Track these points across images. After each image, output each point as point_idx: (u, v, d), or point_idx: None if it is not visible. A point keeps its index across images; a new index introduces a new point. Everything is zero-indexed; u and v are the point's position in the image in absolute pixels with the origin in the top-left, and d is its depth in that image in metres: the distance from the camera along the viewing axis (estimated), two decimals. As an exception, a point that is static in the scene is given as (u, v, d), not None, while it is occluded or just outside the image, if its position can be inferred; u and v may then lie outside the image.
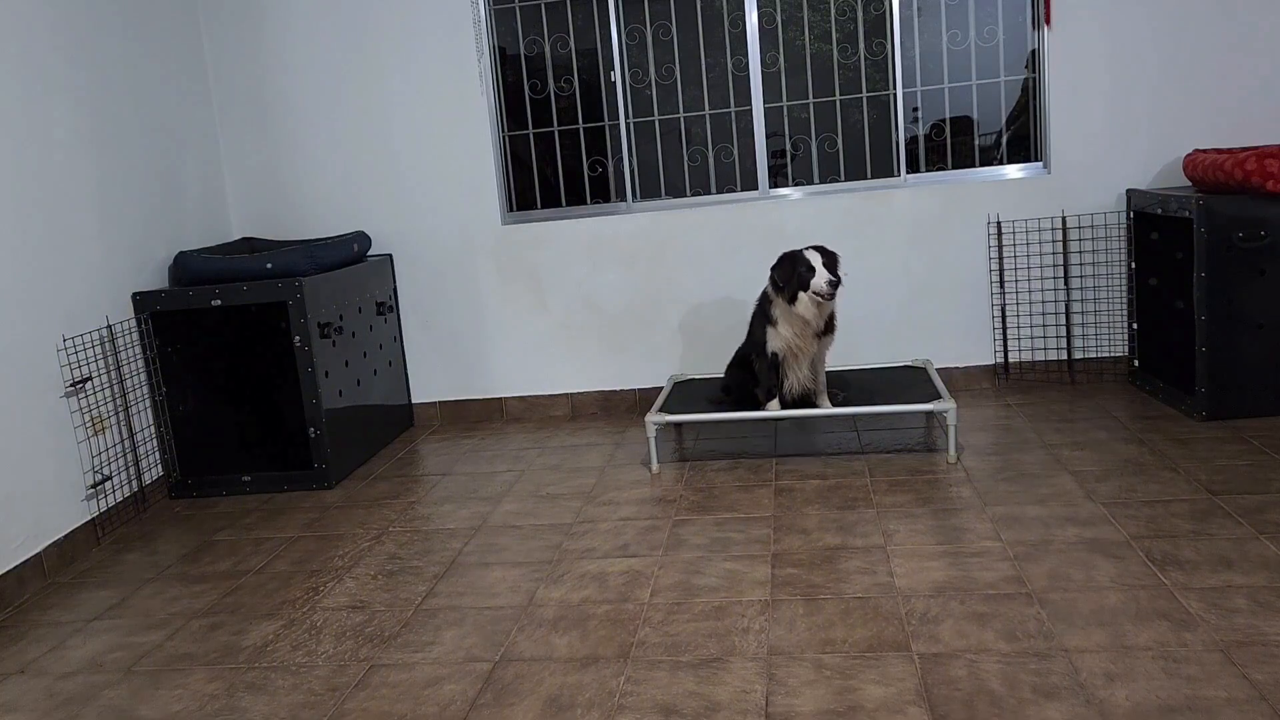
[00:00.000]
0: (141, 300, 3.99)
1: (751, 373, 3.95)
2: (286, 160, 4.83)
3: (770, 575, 2.87)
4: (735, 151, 4.79)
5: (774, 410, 3.84)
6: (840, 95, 4.69)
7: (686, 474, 3.84)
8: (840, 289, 3.64)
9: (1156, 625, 2.39)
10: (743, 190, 4.77)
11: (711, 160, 4.82)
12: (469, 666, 2.52)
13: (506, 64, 4.81)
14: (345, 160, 4.80)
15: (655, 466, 3.90)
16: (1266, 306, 3.77)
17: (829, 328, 3.80)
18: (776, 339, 3.79)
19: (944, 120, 4.72)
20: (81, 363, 3.66)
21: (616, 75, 4.68)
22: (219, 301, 3.97)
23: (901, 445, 3.94)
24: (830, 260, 3.66)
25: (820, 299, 3.64)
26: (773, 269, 3.75)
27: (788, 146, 4.84)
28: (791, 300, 3.68)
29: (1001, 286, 4.55)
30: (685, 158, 4.86)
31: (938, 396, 3.78)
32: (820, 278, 3.61)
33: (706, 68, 4.75)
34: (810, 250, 3.67)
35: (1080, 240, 4.49)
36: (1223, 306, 3.79)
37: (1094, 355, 4.57)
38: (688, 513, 3.43)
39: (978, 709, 2.12)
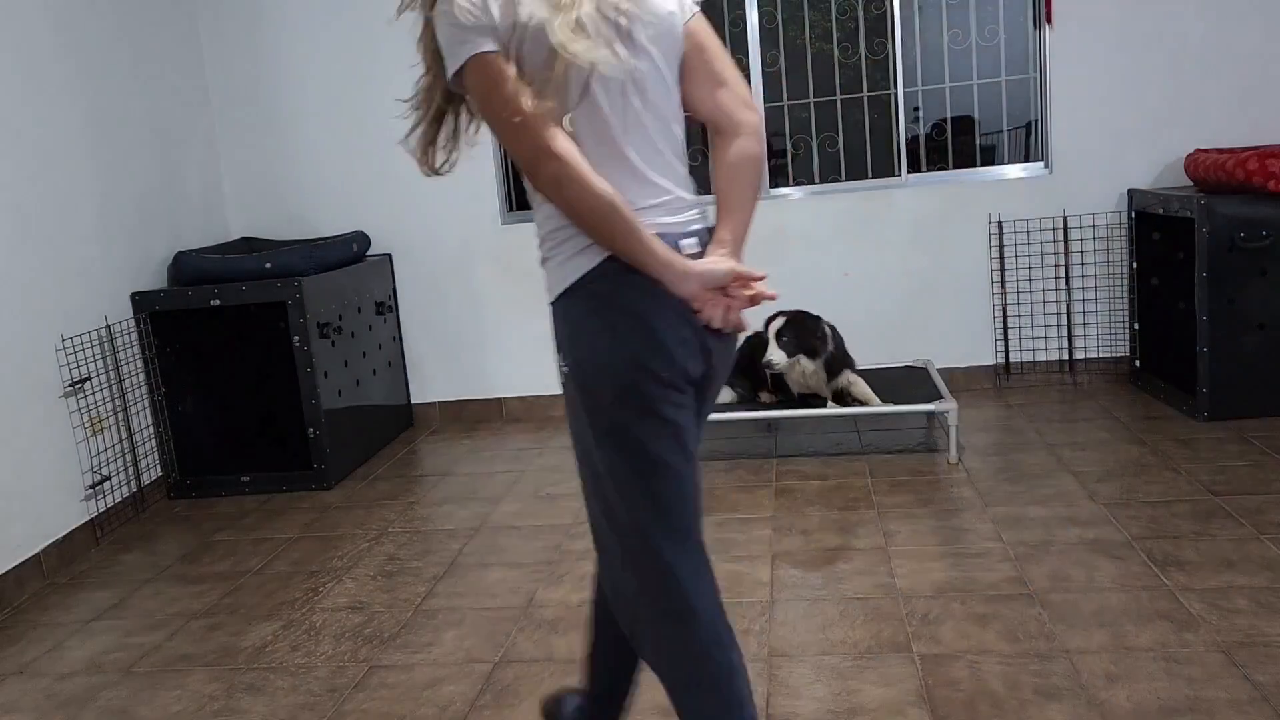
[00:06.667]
0: (140, 300, 3.98)
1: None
2: (286, 160, 4.82)
3: (771, 576, 2.86)
4: (735, 151, 4.77)
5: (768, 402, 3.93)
6: (841, 95, 4.68)
7: (687, 474, 3.83)
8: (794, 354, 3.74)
9: (1158, 626, 2.38)
10: (743, 190, 4.75)
11: (712, 160, 4.81)
12: (468, 667, 2.51)
13: (506, 64, 4.80)
14: (345, 160, 4.79)
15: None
16: (1268, 306, 3.76)
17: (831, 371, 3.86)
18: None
19: (945, 120, 4.72)
20: (80, 363, 3.65)
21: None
22: (218, 301, 3.96)
23: (902, 446, 3.94)
24: (789, 329, 3.72)
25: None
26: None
27: (788, 146, 4.83)
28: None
29: (1003, 286, 4.55)
30: (685, 157, 4.84)
31: (939, 397, 3.77)
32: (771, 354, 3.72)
33: (707, 67, 4.74)
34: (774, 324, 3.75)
35: (1081, 240, 4.48)
36: (1224, 307, 3.78)
37: (1095, 355, 4.56)
38: (688, 513, 3.42)
39: (979, 710, 2.11)
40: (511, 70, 1.46)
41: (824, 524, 3.21)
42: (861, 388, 3.87)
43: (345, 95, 4.73)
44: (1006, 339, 4.59)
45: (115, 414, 3.83)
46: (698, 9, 1.64)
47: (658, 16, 1.55)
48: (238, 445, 4.46)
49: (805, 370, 3.79)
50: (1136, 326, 4.38)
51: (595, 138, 1.52)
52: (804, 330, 3.74)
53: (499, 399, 4.92)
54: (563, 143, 1.46)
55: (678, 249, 1.53)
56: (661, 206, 1.57)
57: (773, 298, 1.58)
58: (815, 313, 3.83)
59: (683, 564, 1.56)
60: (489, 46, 1.46)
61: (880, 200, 4.56)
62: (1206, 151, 4.05)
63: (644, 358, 1.51)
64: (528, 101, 1.44)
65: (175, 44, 4.50)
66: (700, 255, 1.57)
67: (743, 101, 1.64)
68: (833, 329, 3.89)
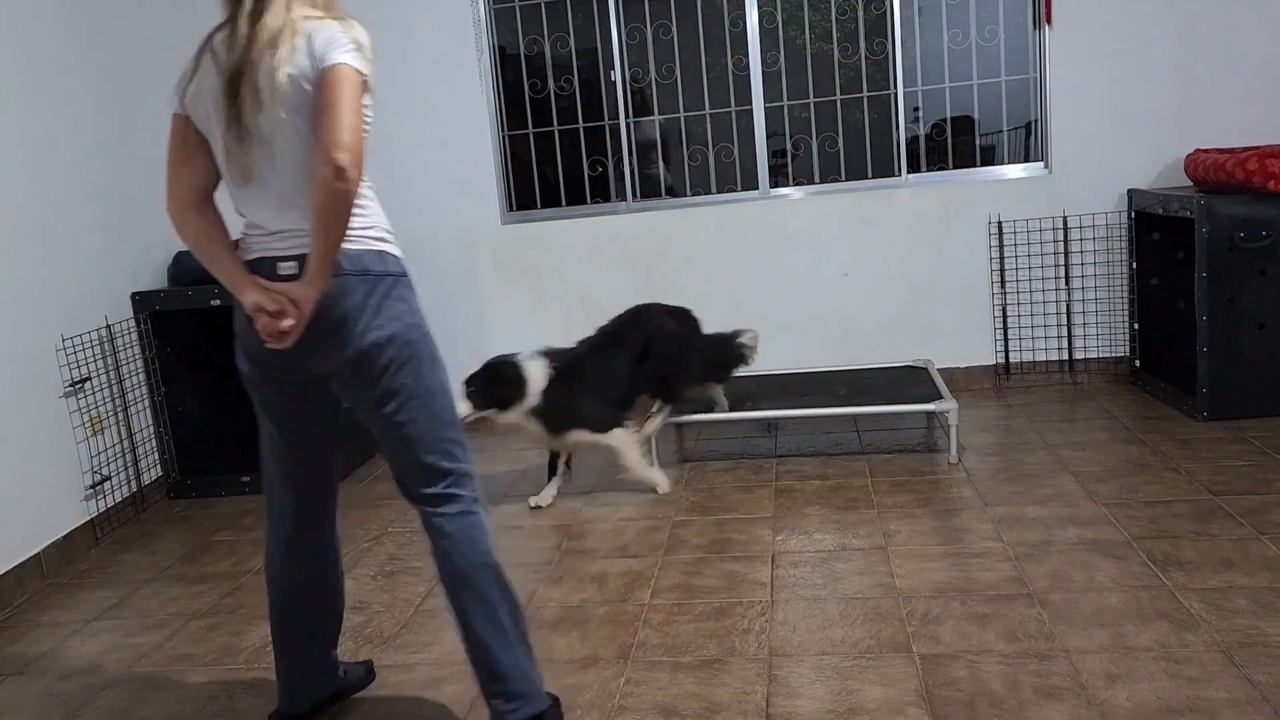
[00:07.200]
0: (141, 300, 3.98)
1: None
2: (286, 160, 4.81)
3: (771, 576, 2.86)
4: (736, 151, 4.78)
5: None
6: (841, 95, 4.68)
7: (687, 474, 3.83)
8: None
9: (1158, 626, 2.38)
10: (743, 190, 4.76)
11: (712, 160, 4.82)
12: (469, 667, 2.50)
13: (506, 63, 4.80)
14: (345, 160, 4.78)
15: (656, 467, 3.89)
16: (1268, 306, 3.76)
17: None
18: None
19: (945, 120, 4.72)
20: (81, 363, 3.65)
21: (616, 75, 4.67)
22: (218, 301, 3.96)
23: (902, 446, 3.94)
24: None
25: None
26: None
27: (788, 146, 4.84)
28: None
29: (1003, 286, 4.55)
30: (685, 157, 4.85)
31: (939, 396, 3.77)
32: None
33: (707, 67, 4.75)
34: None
35: (1081, 240, 4.48)
36: (1224, 307, 3.78)
37: (1095, 355, 4.56)
38: (688, 513, 3.43)
39: (979, 710, 2.11)
40: (182, 129, 1.97)
41: (824, 524, 3.21)
42: (629, 460, 3.56)
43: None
44: (1006, 339, 4.59)
45: (115, 414, 3.83)
46: (337, 62, 1.80)
47: (275, 81, 1.81)
48: (238, 445, 4.44)
49: (510, 424, 3.49)
50: (1136, 326, 4.38)
51: (230, 181, 1.95)
52: (495, 380, 3.47)
53: (499, 399, 4.91)
54: (172, 191, 2.00)
55: (276, 270, 1.91)
56: (267, 236, 1.94)
57: (285, 331, 1.87)
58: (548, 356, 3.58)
59: (268, 489, 2.22)
60: (175, 108, 1.96)
61: (880, 200, 4.56)
62: (1206, 151, 4.05)
63: (241, 353, 2.06)
64: (173, 155, 1.99)
65: (178, 42, 4.50)
66: (298, 276, 1.90)
67: (323, 157, 1.78)
68: (582, 385, 3.52)
